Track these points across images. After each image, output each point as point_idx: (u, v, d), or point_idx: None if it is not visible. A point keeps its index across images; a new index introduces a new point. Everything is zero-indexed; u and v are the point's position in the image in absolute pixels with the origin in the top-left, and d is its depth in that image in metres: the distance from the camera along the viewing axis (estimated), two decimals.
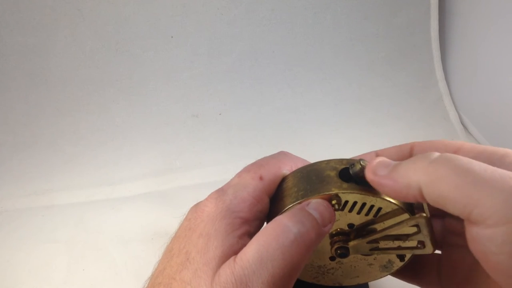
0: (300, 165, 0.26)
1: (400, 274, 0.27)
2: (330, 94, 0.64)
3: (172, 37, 0.58)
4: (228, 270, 0.20)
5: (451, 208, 0.18)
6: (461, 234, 0.24)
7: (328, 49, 0.63)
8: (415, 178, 0.19)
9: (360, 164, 0.22)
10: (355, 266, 0.26)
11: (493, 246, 0.17)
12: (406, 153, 0.26)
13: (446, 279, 0.25)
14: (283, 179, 0.25)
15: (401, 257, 0.25)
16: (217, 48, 0.60)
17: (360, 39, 0.63)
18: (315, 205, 0.22)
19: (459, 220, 0.24)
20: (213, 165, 0.60)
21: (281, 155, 0.26)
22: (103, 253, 0.49)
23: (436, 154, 0.20)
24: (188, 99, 0.61)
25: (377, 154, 0.26)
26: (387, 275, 0.26)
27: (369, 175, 0.21)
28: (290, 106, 0.63)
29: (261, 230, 0.21)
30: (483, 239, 0.17)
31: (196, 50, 0.59)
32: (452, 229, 0.25)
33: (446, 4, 0.64)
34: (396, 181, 0.20)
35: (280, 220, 0.21)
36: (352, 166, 0.22)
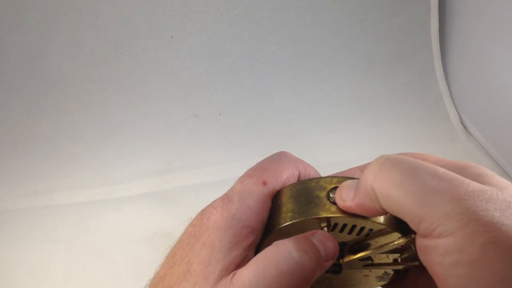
0: (301, 167, 0.25)
1: None
2: (330, 94, 0.64)
3: (172, 37, 0.58)
4: None
5: (404, 217, 0.18)
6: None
7: (328, 49, 0.63)
8: (370, 187, 0.19)
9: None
10: (350, 277, 0.26)
11: (437, 256, 0.17)
12: None
13: None
14: (275, 194, 0.24)
15: (395, 270, 0.25)
16: (217, 48, 0.60)
17: (360, 39, 0.63)
18: (321, 237, 0.21)
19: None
20: (213, 165, 0.60)
21: (282, 157, 0.26)
22: (103, 253, 0.49)
23: (384, 157, 0.20)
24: (188, 99, 0.61)
25: (360, 169, 0.26)
26: (384, 284, 0.26)
27: (340, 204, 0.21)
28: (290, 106, 0.63)
29: (262, 251, 0.21)
30: (429, 249, 0.18)
31: (196, 50, 0.59)
32: None
33: (446, 4, 0.64)
34: (361, 198, 0.20)
35: (284, 245, 0.20)
36: (330, 194, 0.22)
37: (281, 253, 0.20)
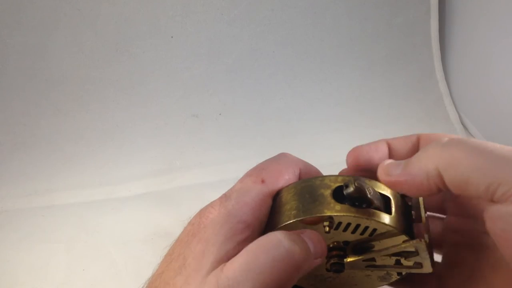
0: (302, 167, 0.25)
1: (397, 285, 0.27)
2: (330, 94, 0.64)
3: (172, 37, 0.58)
4: (214, 279, 0.20)
5: (474, 189, 0.18)
6: (463, 232, 0.24)
7: (328, 49, 0.63)
8: (432, 165, 0.19)
9: (354, 185, 0.21)
10: (353, 276, 0.26)
11: None
12: (413, 143, 0.25)
13: (447, 279, 0.25)
14: (278, 193, 0.24)
15: (398, 272, 0.25)
16: (217, 48, 0.60)
17: (360, 39, 0.63)
18: (310, 235, 0.22)
19: (459, 218, 0.24)
20: (213, 165, 0.60)
21: (282, 157, 0.26)
22: (103, 253, 0.49)
23: (445, 138, 0.20)
24: (188, 99, 0.61)
25: (388, 142, 0.26)
26: (385, 284, 0.26)
27: (383, 177, 0.21)
28: (290, 106, 0.63)
29: (254, 241, 0.21)
30: (506, 216, 0.17)
31: (196, 50, 0.59)
32: (453, 227, 0.25)
33: (446, 4, 0.64)
34: (414, 175, 0.20)
35: (275, 235, 0.21)
36: (346, 187, 0.22)
37: (272, 241, 0.20)
